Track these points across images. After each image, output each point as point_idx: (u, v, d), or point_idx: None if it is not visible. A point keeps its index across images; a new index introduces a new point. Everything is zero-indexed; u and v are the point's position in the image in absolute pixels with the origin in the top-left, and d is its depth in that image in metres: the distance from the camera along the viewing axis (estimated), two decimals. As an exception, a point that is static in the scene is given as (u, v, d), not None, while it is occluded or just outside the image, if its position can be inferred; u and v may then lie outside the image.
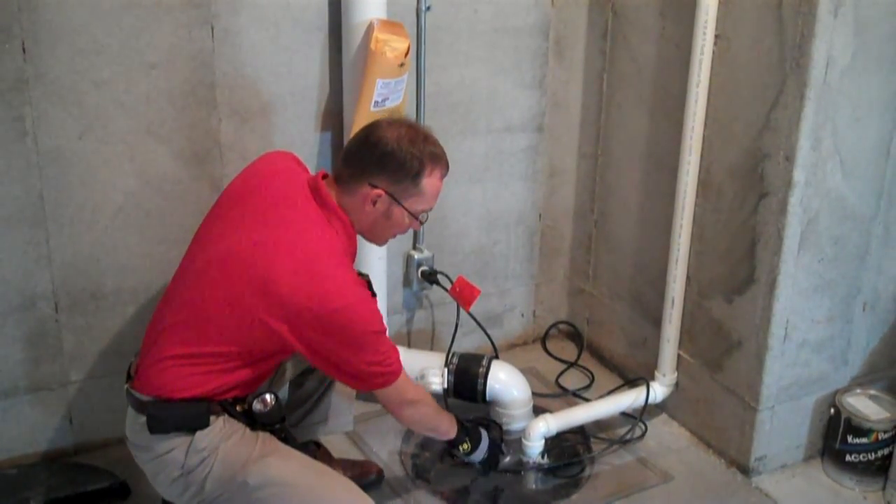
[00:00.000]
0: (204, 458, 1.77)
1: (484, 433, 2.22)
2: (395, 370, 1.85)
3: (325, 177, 1.87)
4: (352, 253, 1.89)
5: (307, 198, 1.83)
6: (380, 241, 1.96)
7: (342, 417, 2.19)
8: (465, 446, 2.15)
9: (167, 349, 1.78)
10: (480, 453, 2.20)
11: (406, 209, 1.84)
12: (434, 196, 1.88)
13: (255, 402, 1.82)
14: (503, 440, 2.36)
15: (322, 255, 1.75)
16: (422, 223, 1.93)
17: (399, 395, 1.91)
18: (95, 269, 2.28)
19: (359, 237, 1.92)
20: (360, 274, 2.02)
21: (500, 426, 2.40)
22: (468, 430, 2.17)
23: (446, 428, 2.10)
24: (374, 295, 1.92)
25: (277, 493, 1.76)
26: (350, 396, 2.18)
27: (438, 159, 1.85)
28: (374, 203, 1.82)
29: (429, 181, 1.84)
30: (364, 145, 1.84)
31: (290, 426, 2.00)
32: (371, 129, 1.85)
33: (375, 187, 1.81)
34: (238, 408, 1.81)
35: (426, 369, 2.46)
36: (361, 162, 1.83)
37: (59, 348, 2.30)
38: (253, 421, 1.83)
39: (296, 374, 2.07)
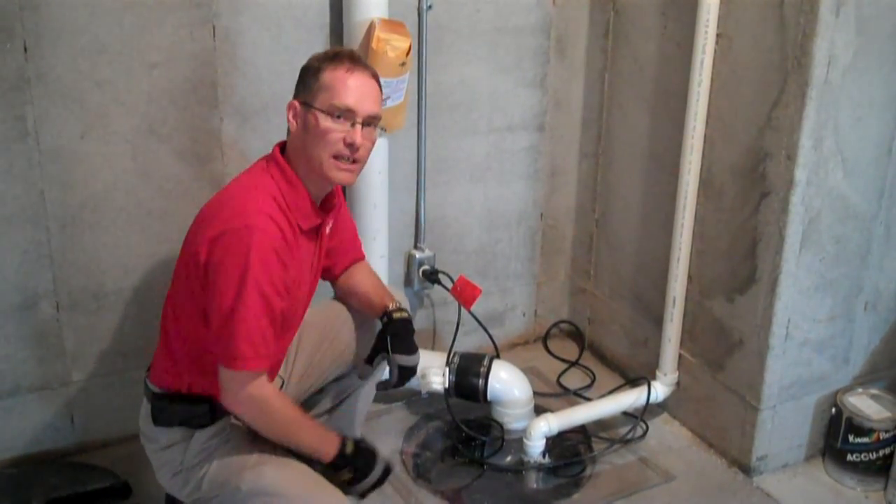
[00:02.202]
0: (202, 458, 1.79)
1: (379, 461, 1.85)
2: (262, 353, 1.68)
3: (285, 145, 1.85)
4: (298, 202, 1.76)
5: (259, 161, 1.83)
6: (324, 169, 1.76)
7: (350, 426, 2.18)
8: (346, 477, 1.81)
9: (163, 340, 1.82)
10: (364, 486, 1.84)
11: (316, 108, 1.73)
12: (343, 88, 1.73)
13: None
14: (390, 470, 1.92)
15: (236, 190, 1.75)
16: (348, 125, 1.73)
17: (251, 388, 1.69)
18: (97, 268, 2.28)
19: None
20: (399, 308, 2.00)
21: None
22: (353, 457, 1.81)
23: (314, 447, 1.78)
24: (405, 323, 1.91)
25: (268, 503, 1.75)
26: (361, 412, 2.16)
27: (343, 56, 1.77)
28: (295, 118, 1.77)
29: (332, 73, 1.74)
30: None
31: None
32: None
33: (291, 101, 1.79)
34: (234, 413, 1.81)
35: (427, 369, 2.46)
36: None
37: (60, 348, 2.30)
38: None
39: (302, 398, 2.07)
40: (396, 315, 2.00)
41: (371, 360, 2.03)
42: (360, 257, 2.12)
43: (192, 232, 1.76)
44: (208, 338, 1.70)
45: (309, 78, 1.77)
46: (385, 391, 2.08)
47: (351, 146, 1.74)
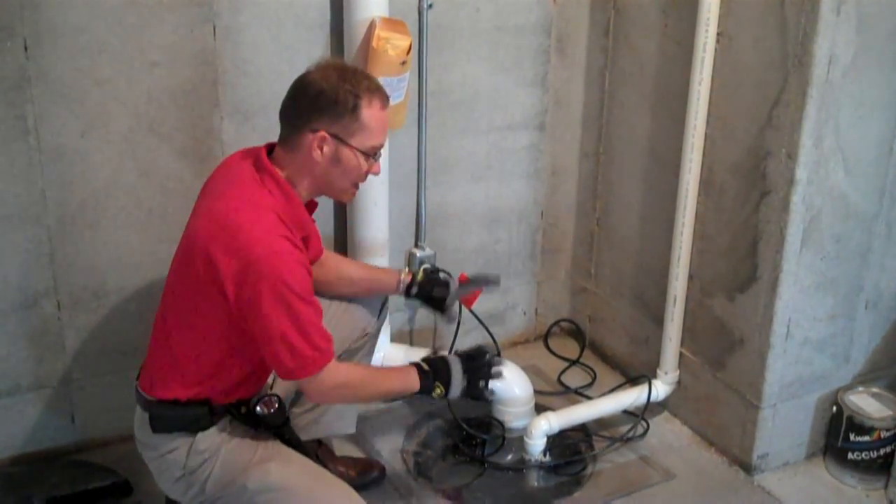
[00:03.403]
0: (205, 459, 1.78)
1: (453, 361, 1.92)
2: (325, 349, 1.72)
3: (271, 147, 1.82)
4: (294, 213, 1.76)
5: (248, 168, 1.77)
6: (341, 193, 1.83)
7: (345, 420, 2.19)
8: (439, 391, 1.90)
9: (162, 349, 1.80)
10: (457, 387, 1.91)
11: (355, 148, 1.74)
12: (381, 129, 1.77)
13: (258, 406, 1.81)
14: (480, 355, 2.00)
15: (240, 210, 1.70)
16: (376, 161, 1.80)
17: (330, 380, 1.74)
18: (97, 267, 2.28)
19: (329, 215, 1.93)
20: (408, 272, 2.16)
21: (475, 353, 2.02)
22: (434, 371, 1.90)
23: (402, 385, 1.89)
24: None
25: (276, 499, 1.75)
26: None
27: (374, 89, 1.75)
28: (321, 148, 1.73)
29: (369, 112, 1.73)
30: (295, 94, 1.76)
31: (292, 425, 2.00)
32: (299, 79, 1.77)
33: (317, 131, 1.71)
34: (242, 409, 1.81)
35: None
36: (296, 111, 1.74)
37: (61, 346, 2.30)
38: (256, 423, 1.82)
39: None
40: (420, 277, 2.18)
41: (444, 311, 2.23)
42: (323, 248, 2.10)
43: (197, 251, 1.70)
44: (265, 360, 1.74)
45: (343, 111, 1.72)
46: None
47: (367, 175, 1.82)
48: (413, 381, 1.88)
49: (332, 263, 2.12)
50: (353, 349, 2.13)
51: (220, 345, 1.75)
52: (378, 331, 2.24)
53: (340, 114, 1.71)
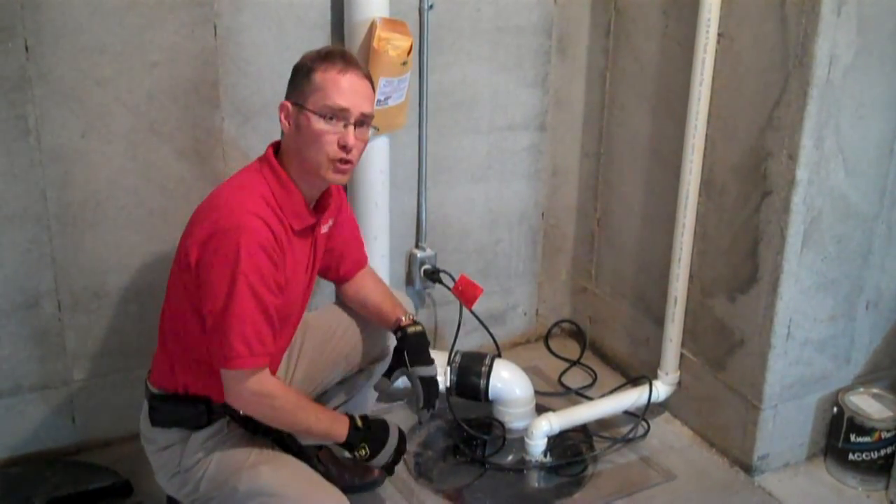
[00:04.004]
0: (200, 458, 1.79)
1: (393, 434, 1.89)
2: (256, 352, 1.67)
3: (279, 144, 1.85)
4: (289, 201, 1.76)
5: (254, 162, 1.82)
6: (320, 167, 1.75)
7: None
8: (363, 452, 1.84)
9: (161, 341, 1.83)
10: (383, 459, 1.88)
11: (308, 110, 1.72)
12: (335, 89, 1.72)
13: None
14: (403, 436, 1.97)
15: (229, 190, 1.74)
16: (341, 126, 1.73)
17: (254, 386, 1.70)
18: (98, 267, 2.28)
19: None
20: (413, 322, 2.04)
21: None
22: (367, 432, 1.85)
23: (326, 429, 1.81)
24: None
25: (265, 503, 1.75)
26: (368, 407, 2.19)
27: (336, 55, 1.75)
28: (287, 119, 1.76)
29: (322, 73, 1.72)
30: None
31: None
32: None
33: (283, 101, 1.77)
34: (241, 411, 1.81)
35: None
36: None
37: (61, 347, 2.30)
38: (255, 426, 1.83)
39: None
40: (411, 330, 2.03)
41: (389, 375, 2.05)
42: (364, 260, 2.13)
43: (185, 233, 1.76)
44: (203, 340, 1.71)
45: (300, 78, 1.76)
46: (421, 418, 2.08)
47: (344, 148, 1.74)
48: (339, 431, 1.81)
49: (359, 279, 2.11)
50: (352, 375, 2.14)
51: (201, 334, 1.74)
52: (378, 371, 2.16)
53: (298, 80, 1.77)
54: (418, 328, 2.05)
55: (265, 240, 1.67)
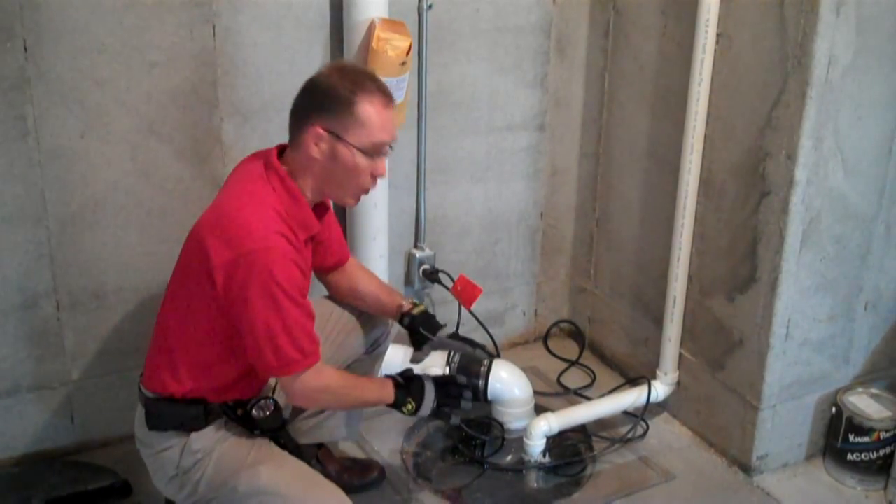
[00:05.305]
0: (198, 459, 1.78)
1: (427, 384, 1.96)
2: (310, 352, 1.73)
3: (283, 148, 1.82)
4: (298, 212, 1.76)
5: (258, 166, 1.78)
6: (345, 195, 1.81)
7: (348, 427, 2.19)
8: (409, 407, 1.93)
9: (160, 344, 1.81)
10: (427, 408, 1.96)
11: (351, 144, 1.71)
12: (381, 126, 1.72)
13: (254, 409, 1.82)
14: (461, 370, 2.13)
15: (241, 203, 1.71)
16: (379, 160, 1.76)
17: (314, 383, 1.76)
18: (97, 267, 2.28)
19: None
20: (414, 304, 2.09)
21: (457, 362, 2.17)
22: (408, 387, 1.94)
23: (378, 395, 1.91)
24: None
25: (265, 503, 1.75)
26: (359, 410, 2.19)
27: (373, 86, 1.73)
28: (318, 144, 1.72)
29: (367, 108, 1.70)
30: (300, 93, 1.77)
31: (291, 429, 2.01)
32: (308, 79, 1.79)
33: (314, 127, 1.72)
34: (238, 412, 1.81)
35: (428, 368, 2.45)
36: (299, 109, 1.76)
37: (60, 347, 2.30)
38: (252, 426, 1.83)
39: None
40: (416, 311, 2.10)
41: (420, 348, 2.13)
42: (347, 255, 2.12)
43: (194, 242, 1.73)
44: (247, 355, 1.73)
45: (338, 107, 1.71)
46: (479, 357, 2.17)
47: (375, 178, 1.79)
48: (388, 393, 1.91)
49: (351, 272, 2.12)
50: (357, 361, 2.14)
51: (210, 338, 1.75)
52: (383, 351, 2.24)
53: (336, 109, 1.71)
54: (421, 307, 2.12)
55: (291, 253, 1.70)
